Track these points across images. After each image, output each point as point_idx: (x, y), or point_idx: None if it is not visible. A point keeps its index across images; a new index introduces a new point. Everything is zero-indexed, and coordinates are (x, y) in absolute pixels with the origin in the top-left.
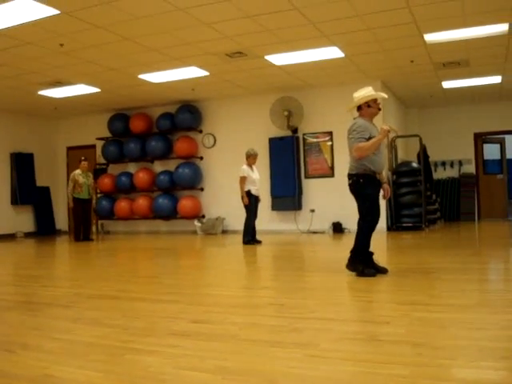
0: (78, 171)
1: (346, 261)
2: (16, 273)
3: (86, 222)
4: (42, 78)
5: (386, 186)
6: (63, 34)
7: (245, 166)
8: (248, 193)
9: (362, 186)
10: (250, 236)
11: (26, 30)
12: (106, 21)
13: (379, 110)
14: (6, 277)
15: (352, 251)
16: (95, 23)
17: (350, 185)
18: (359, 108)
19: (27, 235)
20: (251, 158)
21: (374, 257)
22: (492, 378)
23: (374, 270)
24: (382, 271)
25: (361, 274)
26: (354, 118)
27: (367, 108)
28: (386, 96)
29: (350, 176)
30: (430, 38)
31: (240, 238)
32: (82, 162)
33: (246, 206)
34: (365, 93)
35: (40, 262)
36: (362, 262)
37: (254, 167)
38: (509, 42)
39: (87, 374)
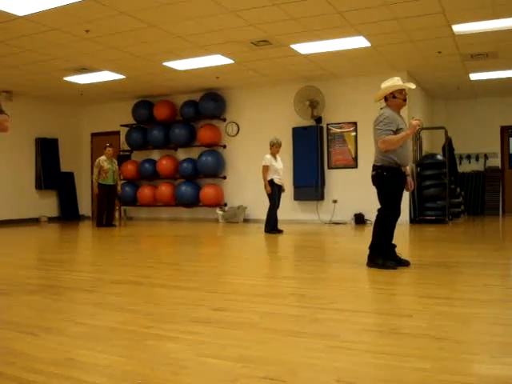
0: (103, 157)
1: (367, 252)
2: (40, 257)
3: (109, 208)
4: (68, 64)
5: (409, 179)
6: (89, 21)
7: (268, 155)
8: (271, 182)
9: (386, 179)
10: (272, 225)
11: (52, 15)
12: (132, 7)
13: (404, 101)
14: (30, 261)
15: (370, 247)
16: (121, 10)
17: (373, 176)
18: (386, 99)
19: (51, 220)
20: (275, 148)
21: (396, 249)
22: None
23: (395, 263)
24: (405, 264)
25: (381, 267)
26: (381, 108)
27: (393, 99)
28: (413, 86)
29: (374, 167)
30: (459, 28)
31: (261, 226)
32: (107, 148)
33: (269, 195)
34: (391, 83)
35: (63, 247)
36: (381, 256)
37: (277, 156)
38: None
39: (109, 359)
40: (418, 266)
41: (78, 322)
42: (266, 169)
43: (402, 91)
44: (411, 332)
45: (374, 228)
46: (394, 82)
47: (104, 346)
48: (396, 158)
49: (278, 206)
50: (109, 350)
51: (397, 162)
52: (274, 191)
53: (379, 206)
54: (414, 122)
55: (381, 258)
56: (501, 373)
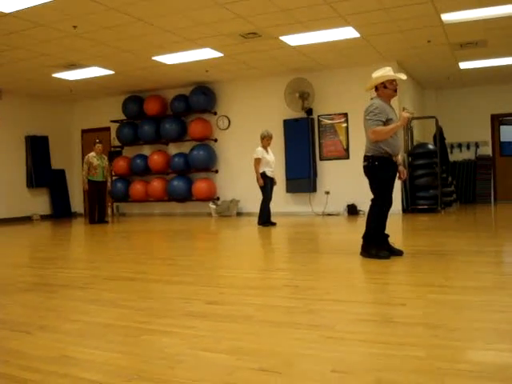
0: (92, 154)
1: (360, 242)
2: (33, 255)
3: (101, 204)
4: (56, 61)
5: (401, 167)
6: (76, 16)
7: (259, 148)
8: (263, 174)
9: (377, 168)
10: (265, 218)
11: (39, 12)
12: (119, 2)
13: (395, 91)
14: (23, 259)
15: (364, 237)
16: (108, 4)
17: (364, 166)
18: (376, 89)
19: (43, 218)
20: (266, 140)
21: (389, 239)
22: (509, 361)
23: (388, 252)
24: (398, 253)
25: (375, 256)
26: (372, 99)
27: (383, 89)
28: (404, 77)
29: (365, 158)
30: (447, 17)
31: (255, 220)
32: (97, 145)
33: (261, 188)
34: (382, 73)
35: (56, 245)
36: (374, 245)
37: (268, 149)
38: None
39: (104, 355)
40: (411, 255)
41: (72, 319)
42: (257, 161)
43: (392, 81)
44: (405, 321)
45: (368, 218)
46: (385, 72)
47: (99, 343)
48: (387, 147)
49: (270, 199)
50: (104, 346)
51: (387, 152)
52: (267, 184)
53: (373, 197)
54: (405, 115)
55: (374, 248)
56: (495, 359)
